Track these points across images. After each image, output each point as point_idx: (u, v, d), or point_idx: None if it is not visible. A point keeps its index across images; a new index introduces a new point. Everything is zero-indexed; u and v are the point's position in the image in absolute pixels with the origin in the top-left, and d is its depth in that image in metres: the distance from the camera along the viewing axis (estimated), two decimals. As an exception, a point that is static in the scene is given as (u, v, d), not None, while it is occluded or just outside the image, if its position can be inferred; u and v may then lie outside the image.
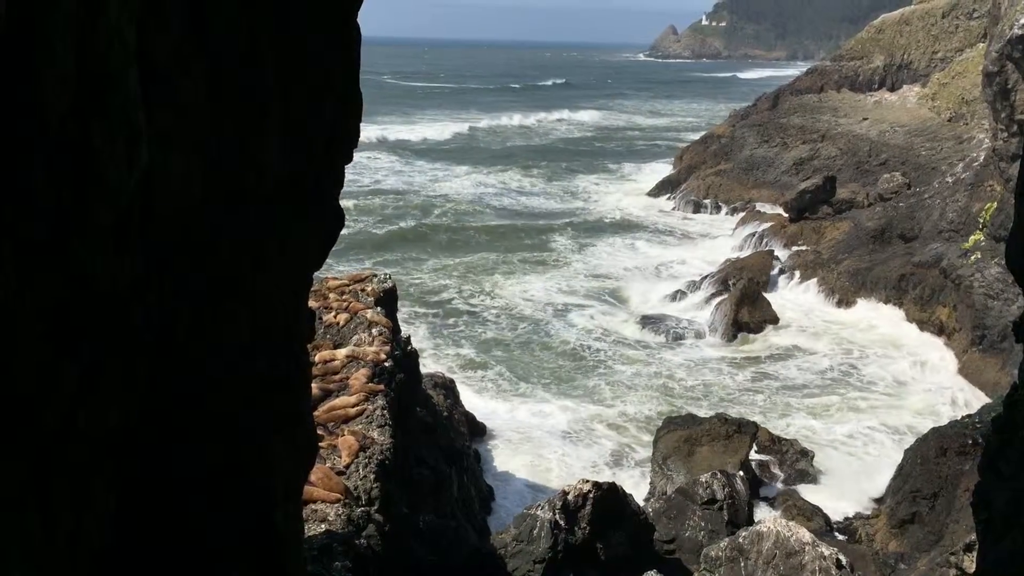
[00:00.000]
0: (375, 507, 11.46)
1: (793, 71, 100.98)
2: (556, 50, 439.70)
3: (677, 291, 36.99)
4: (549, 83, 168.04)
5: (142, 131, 2.94)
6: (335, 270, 29.01)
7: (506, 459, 22.92)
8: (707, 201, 52.23)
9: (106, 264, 2.84)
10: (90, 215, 2.70)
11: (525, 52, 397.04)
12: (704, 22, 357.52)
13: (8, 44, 2.30)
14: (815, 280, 36.15)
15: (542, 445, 23.71)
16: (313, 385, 12.22)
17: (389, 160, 72.12)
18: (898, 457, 20.32)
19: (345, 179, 6.19)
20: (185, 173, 3.52)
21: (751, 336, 32.00)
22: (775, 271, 37.52)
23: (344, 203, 6.24)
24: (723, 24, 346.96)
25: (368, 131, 69.35)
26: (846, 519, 20.20)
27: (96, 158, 2.69)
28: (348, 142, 5.77)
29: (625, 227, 49.65)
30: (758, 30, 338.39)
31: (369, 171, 66.14)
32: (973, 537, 12.17)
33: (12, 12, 2.28)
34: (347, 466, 11.93)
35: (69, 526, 2.85)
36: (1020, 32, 27.99)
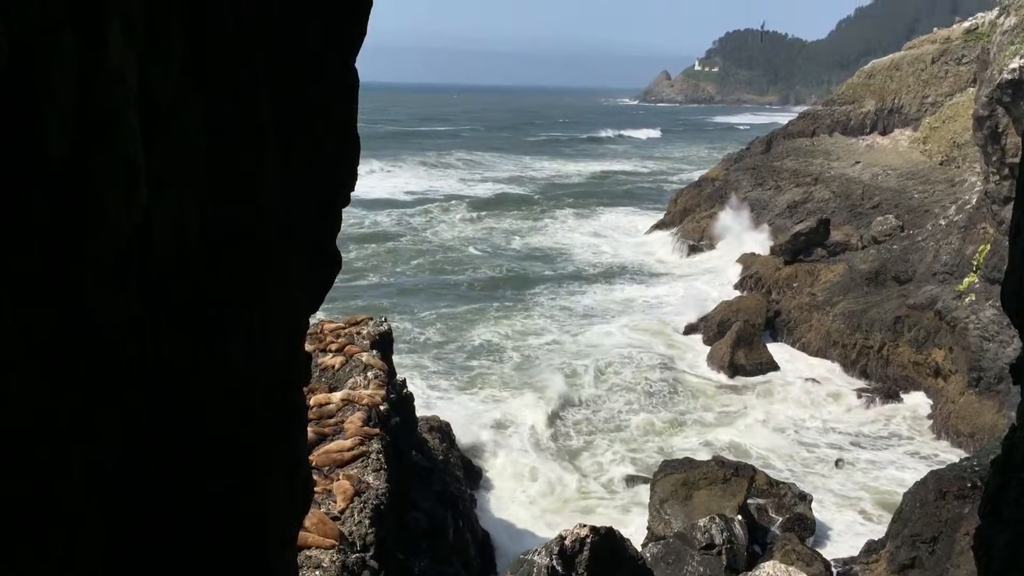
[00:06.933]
0: (370, 553, 11.32)
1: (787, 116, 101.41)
2: (548, 95, 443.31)
3: (672, 333, 37.01)
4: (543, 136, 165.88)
5: (142, 170, 2.95)
6: (331, 314, 28.95)
7: (502, 503, 22.74)
8: (702, 243, 52.46)
9: (103, 300, 2.83)
10: (88, 252, 2.70)
11: (518, 97, 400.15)
12: (697, 67, 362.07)
13: (9, 84, 2.32)
14: (812, 322, 36.20)
15: (539, 488, 23.54)
16: (308, 429, 12.14)
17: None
18: (897, 500, 20.21)
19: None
20: (182, 211, 3.52)
21: (747, 378, 32.00)
22: (770, 313, 37.59)
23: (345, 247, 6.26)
24: (716, 69, 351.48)
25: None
26: (845, 564, 20.00)
27: (96, 196, 2.70)
28: (346, 184, 5.80)
29: (618, 271, 49.76)
30: (750, 75, 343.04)
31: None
32: (975, 581, 12.04)
33: (14, 52, 2.30)
34: (342, 511, 11.82)
35: (61, 562, 2.82)
36: (1009, 77, 28.32)
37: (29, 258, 2.43)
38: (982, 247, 30.35)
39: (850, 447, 26.62)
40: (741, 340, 32.93)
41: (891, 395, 30.43)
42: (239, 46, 3.78)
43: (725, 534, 18.43)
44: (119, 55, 2.72)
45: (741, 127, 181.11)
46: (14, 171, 2.35)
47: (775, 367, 32.59)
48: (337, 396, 15.26)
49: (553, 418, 28.02)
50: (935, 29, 62.46)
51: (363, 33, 5.62)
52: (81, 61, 2.52)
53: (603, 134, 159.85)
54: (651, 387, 31.08)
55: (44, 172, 2.45)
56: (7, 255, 2.36)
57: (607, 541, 16.01)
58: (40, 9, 2.39)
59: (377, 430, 14.20)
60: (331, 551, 10.76)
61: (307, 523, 10.41)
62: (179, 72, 3.21)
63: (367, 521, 11.71)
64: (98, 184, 2.66)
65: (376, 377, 16.38)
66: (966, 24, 52.16)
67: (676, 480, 21.04)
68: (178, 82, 3.21)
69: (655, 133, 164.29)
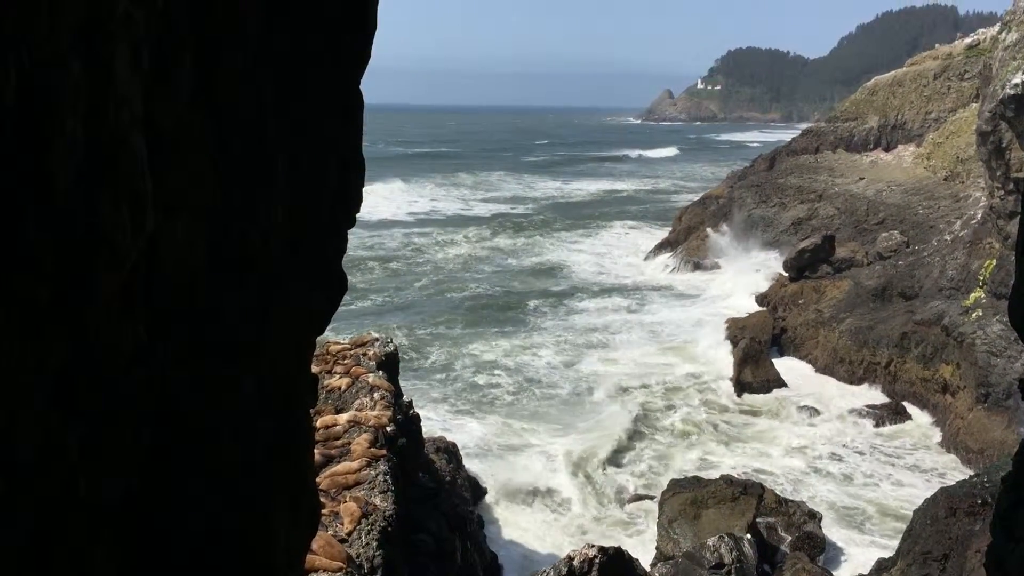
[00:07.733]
0: (377, 575, 11.27)
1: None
2: (552, 115, 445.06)
3: (678, 350, 36.93)
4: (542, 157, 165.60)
5: (148, 198, 2.96)
6: (333, 334, 28.94)
7: (510, 524, 22.63)
8: (706, 261, 52.42)
9: (110, 329, 2.83)
10: (95, 281, 2.70)
11: (524, 117, 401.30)
12: (700, 85, 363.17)
13: (16, 112, 2.33)
14: (818, 339, 36.11)
15: (547, 509, 23.43)
16: (315, 451, 12.11)
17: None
18: (907, 517, 20.08)
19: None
20: (189, 239, 3.53)
21: (755, 395, 31.89)
22: (776, 330, 37.50)
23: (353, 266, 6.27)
24: (719, 87, 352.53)
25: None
26: (856, 582, 19.88)
27: (102, 225, 2.70)
28: (351, 206, 5.81)
29: (620, 290, 49.69)
30: (753, 93, 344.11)
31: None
32: (987, 599, 11.92)
33: (20, 81, 2.31)
34: (349, 533, 11.77)
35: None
36: (1012, 92, 28.37)
37: (35, 286, 2.44)
38: (988, 262, 30.31)
39: (859, 464, 26.46)
40: (748, 358, 32.85)
41: (899, 411, 30.28)
42: (246, 73, 3.80)
43: (735, 553, 18.30)
44: (125, 83, 2.73)
45: (751, 144, 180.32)
46: (20, 199, 2.36)
47: (782, 384, 32.48)
48: (343, 418, 15.23)
49: (560, 438, 27.92)
50: (937, 45, 62.69)
51: (367, 55, 5.64)
52: (88, 89, 2.54)
53: (620, 153, 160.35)
54: (657, 406, 30.98)
55: (50, 199, 2.46)
56: (12, 283, 2.36)
57: (615, 561, 15.93)
58: (47, 39, 2.40)
59: (384, 451, 14.17)
60: (338, 573, 10.71)
61: (314, 545, 10.37)
62: (187, 102, 3.23)
63: (374, 543, 11.67)
64: (104, 210, 2.67)
65: (383, 398, 16.36)
66: (968, 40, 52.38)
67: (684, 499, 20.93)
68: (186, 111, 3.23)
69: (671, 151, 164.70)
